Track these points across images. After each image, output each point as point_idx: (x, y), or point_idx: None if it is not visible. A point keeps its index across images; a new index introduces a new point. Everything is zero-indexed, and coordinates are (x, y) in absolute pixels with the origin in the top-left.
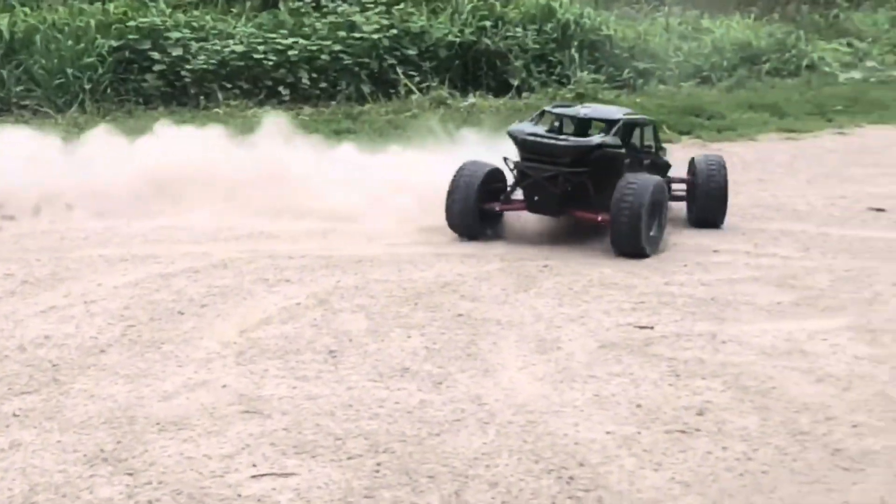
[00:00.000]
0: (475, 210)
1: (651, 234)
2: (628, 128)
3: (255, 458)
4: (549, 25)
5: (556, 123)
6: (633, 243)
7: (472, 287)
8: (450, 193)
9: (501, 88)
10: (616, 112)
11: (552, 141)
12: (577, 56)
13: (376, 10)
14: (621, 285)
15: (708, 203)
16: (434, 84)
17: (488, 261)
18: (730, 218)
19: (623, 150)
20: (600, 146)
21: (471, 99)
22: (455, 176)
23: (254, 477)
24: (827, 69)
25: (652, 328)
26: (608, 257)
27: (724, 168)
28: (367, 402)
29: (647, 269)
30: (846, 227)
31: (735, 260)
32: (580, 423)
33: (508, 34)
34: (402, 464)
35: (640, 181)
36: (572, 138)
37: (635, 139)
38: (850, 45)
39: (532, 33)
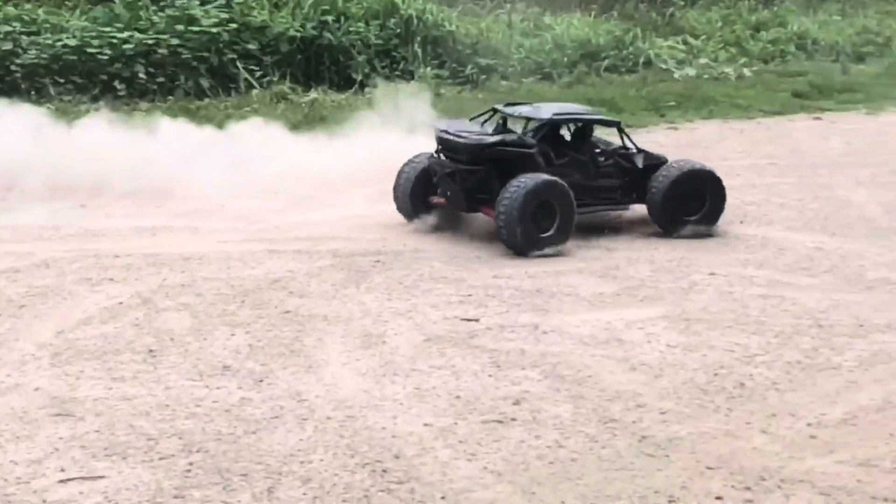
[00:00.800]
0: (412, 198)
1: (545, 234)
2: (556, 127)
3: (63, 461)
4: (393, 21)
5: (501, 122)
6: (510, 243)
7: (301, 283)
8: (396, 181)
9: (344, 83)
10: (546, 111)
11: (454, 138)
12: (420, 52)
13: (216, 3)
14: (451, 279)
15: None
16: (275, 79)
17: (320, 257)
18: None
19: (528, 150)
20: (493, 145)
21: (312, 94)
22: (402, 166)
23: (61, 482)
24: (663, 66)
25: (477, 320)
26: (440, 251)
27: None
28: (184, 402)
29: (478, 262)
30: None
31: (563, 252)
32: (399, 416)
33: (351, 29)
34: (216, 463)
35: (522, 183)
36: (474, 136)
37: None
38: (685, 42)
39: (375, 28)
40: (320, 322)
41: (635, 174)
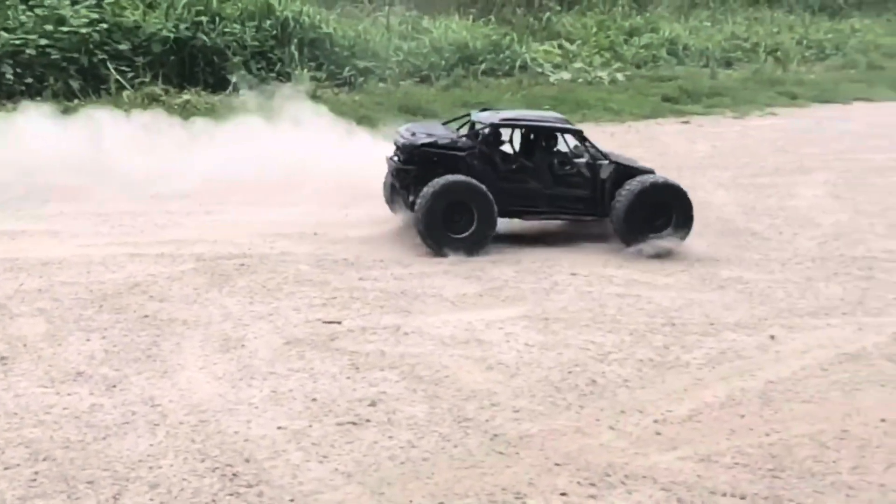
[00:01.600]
0: (391, 192)
1: (464, 235)
2: (499, 133)
3: None
4: (269, 22)
5: (471, 126)
6: (424, 242)
7: (162, 287)
8: (386, 177)
9: (220, 85)
10: (496, 117)
11: (399, 138)
12: (297, 53)
13: (86, 3)
14: (316, 281)
15: None
16: (147, 80)
17: (183, 260)
18: None
19: (459, 152)
20: (424, 145)
21: (185, 96)
22: (387, 159)
23: None
24: (539, 70)
25: (340, 323)
26: (307, 254)
27: None
28: (33, 409)
29: (344, 265)
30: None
31: (431, 254)
32: (253, 420)
33: (226, 30)
34: (62, 471)
35: (433, 184)
36: (414, 137)
37: (551, 146)
38: (560, 46)
39: (251, 30)
40: (179, 326)
41: (600, 186)
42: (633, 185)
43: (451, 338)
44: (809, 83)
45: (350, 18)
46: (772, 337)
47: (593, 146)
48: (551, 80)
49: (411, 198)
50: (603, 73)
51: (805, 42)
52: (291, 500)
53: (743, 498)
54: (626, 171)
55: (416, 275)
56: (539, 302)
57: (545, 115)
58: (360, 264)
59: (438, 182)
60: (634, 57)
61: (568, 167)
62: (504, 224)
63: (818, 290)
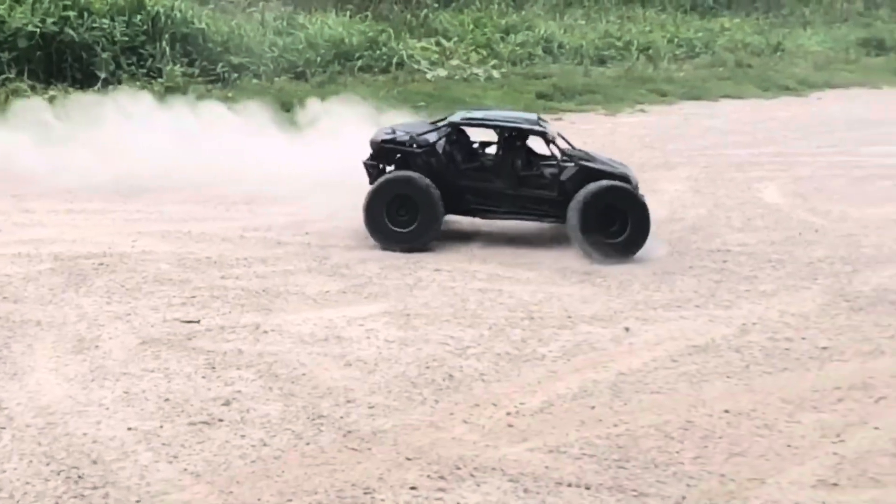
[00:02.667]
0: None
1: (407, 229)
2: (461, 131)
3: None
4: (139, 17)
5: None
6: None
7: (17, 288)
8: None
9: (89, 80)
10: (458, 116)
11: (372, 135)
12: (168, 49)
13: None
14: (176, 280)
15: None
16: (12, 76)
17: (41, 260)
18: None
19: (415, 149)
20: (382, 142)
21: (52, 92)
22: None
23: None
24: (416, 66)
25: (198, 322)
26: (169, 253)
27: None
28: None
29: (207, 263)
30: None
31: (297, 252)
32: (103, 421)
33: (94, 25)
34: None
35: (381, 180)
36: (379, 133)
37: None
38: (437, 43)
39: (120, 25)
40: (32, 327)
41: (563, 188)
42: (588, 189)
43: (311, 335)
44: (679, 81)
45: (224, 14)
46: (626, 329)
47: (562, 148)
48: (428, 76)
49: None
50: (479, 71)
51: (676, 41)
52: (137, 501)
53: (588, 488)
54: (590, 174)
55: (279, 273)
56: (402, 298)
57: (514, 116)
58: (223, 263)
59: (383, 177)
60: (510, 54)
61: (534, 169)
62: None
63: (673, 282)
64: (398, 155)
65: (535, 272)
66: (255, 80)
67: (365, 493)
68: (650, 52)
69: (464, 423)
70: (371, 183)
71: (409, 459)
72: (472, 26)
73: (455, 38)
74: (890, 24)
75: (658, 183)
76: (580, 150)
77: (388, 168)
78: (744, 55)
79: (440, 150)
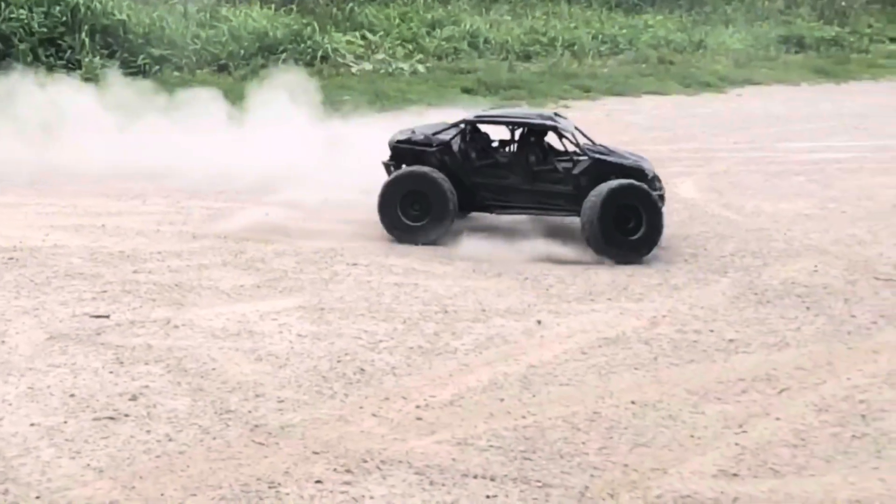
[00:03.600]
0: None
1: (419, 224)
2: (476, 129)
3: None
4: (58, 8)
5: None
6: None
7: None
8: None
9: (6, 73)
10: (472, 114)
11: (392, 135)
12: (87, 41)
13: None
14: (87, 275)
15: None
16: None
17: None
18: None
19: (428, 147)
20: (398, 142)
21: None
22: None
23: None
24: (341, 60)
25: (108, 317)
26: (81, 248)
27: None
28: None
29: (119, 257)
30: (327, 211)
31: (213, 246)
32: (6, 417)
33: (12, 16)
34: None
35: (394, 175)
36: (397, 134)
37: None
38: (363, 37)
39: (39, 16)
40: None
41: (577, 182)
42: (601, 189)
43: (223, 330)
44: (603, 77)
45: (145, 5)
46: (539, 322)
47: (578, 142)
48: (353, 70)
49: None
50: (404, 65)
51: (601, 37)
52: (38, 498)
53: (493, 479)
54: (603, 167)
55: (193, 267)
56: (316, 292)
57: (528, 112)
58: (136, 257)
59: (396, 173)
60: (436, 49)
61: (548, 164)
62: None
63: (588, 276)
64: (414, 154)
65: (451, 266)
66: (176, 73)
67: (270, 488)
68: (575, 48)
69: (373, 416)
70: None
71: (316, 453)
72: (398, 20)
73: (381, 32)
74: (810, 23)
75: None
76: (599, 145)
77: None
78: (666, 52)
79: (455, 149)
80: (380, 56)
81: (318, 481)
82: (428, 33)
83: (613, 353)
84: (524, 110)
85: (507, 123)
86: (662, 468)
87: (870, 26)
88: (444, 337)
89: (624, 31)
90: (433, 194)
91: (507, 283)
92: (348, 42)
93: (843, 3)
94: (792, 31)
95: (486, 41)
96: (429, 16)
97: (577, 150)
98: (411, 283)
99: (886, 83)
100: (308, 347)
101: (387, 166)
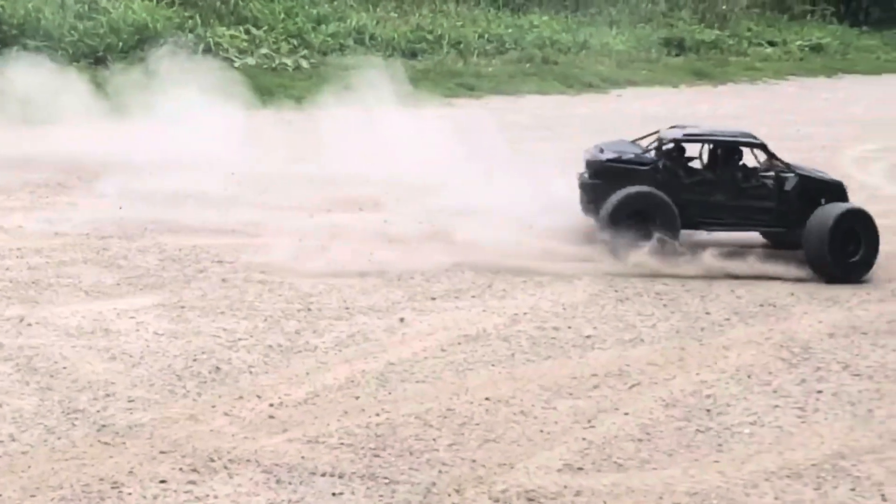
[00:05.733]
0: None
1: (651, 240)
2: (682, 148)
3: None
4: None
5: (657, 142)
6: (607, 249)
7: None
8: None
9: None
10: (679, 132)
11: (587, 155)
12: None
13: None
14: None
15: None
16: None
17: None
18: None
19: (642, 167)
20: (608, 161)
21: None
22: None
23: None
24: (224, 54)
25: None
26: None
27: None
28: None
29: None
30: (209, 207)
31: (76, 242)
32: None
33: None
34: None
35: (617, 194)
36: (597, 153)
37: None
38: (247, 31)
39: None
40: None
41: (786, 198)
42: (825, 212)
43: (78, 328)
44: (487, 76)
45: None
46: (401, 320)
47: (779, 159)
48: (236, 65)
49: (591, 209)
50: (288, 60)
51: (487, 36)
52: None
53: (341, 477)
54: (812, 184)
55: (53, 264)
56: (178, 290)
57: (730, 131)
58: None
59: (621, 192)
60: (322, 44)
61: (753, 180)
62: None
63: (453, 274)
64: (626, 173)
65: (317, 263)
66: (51, 65)
67: (112, 488)
68: (461, 46)
69: (225, 415)
70: (589, 201)
71: (163, 453)
72: (283, 15)
73: (265, 27)
74: (691, 25)
75: (451, 179)
76: (784, 161)
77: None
78: (551, 52)
79: (664, 167)
80: (263, 51)
81: (162, 481)
82: (313, 28)
83: (472, 350)
84: (720, 128)
85: (715, 141)
86: (510, 463)
87: (749, 30)
88: (305, 335)
89: (510, 30)
90: (661, 214)
91: (373, 281)
92: (232, 36)
93: (724, 7)
94: (673, 33)
95: (372, 37)
96: (315, 11)
97: (783, 167)
98: (276, 281)
99: (762, 85)
100: (164, 346)
101: (591, 185)
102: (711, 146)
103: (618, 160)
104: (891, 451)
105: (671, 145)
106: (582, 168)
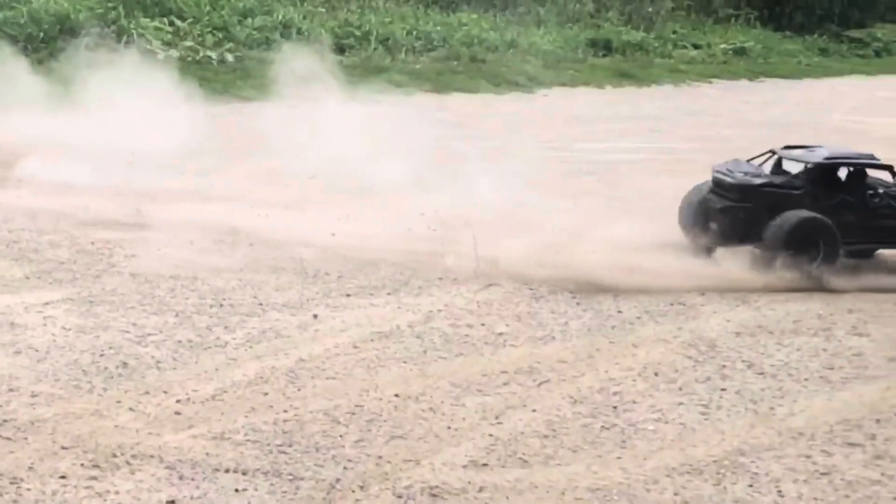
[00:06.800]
0: (692, 222)
1: (815, 264)
2: (826, 171)
3: None
4: None
5: (776, 163)
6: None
7: None
8: (680, 207)
9: None
10: (819, 155)
11: (726, 177)
12: None
13: None
14: None
15: None
16: None
17: None
18: None
19: (795, 191)
20: (762, 185)
21: None
22: (687, 194)
23: None
24: (147, 46)
25: None
26: None
27: None
28: None
29: None
30: (123, 200)
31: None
32: None
33: None
34: None
35: (783, 219)
36: (745, 176)
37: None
38: (171, 23)
39: None
40: None
41: None
42: None
43: None
44: (414, 73)
45: None
46: (315, 316)
47: None
48: (160, 57)
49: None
50: (213, 53)
51: (415, 33)
52: None
53: (245, 473)
54: None
55: None
56: (88, 285)
57: (852, 152)
58: None
59: (789, 219)
60: (247, 38)
61: (878, 199)
62: None
63: (370, 271)
64: (780, 197)
65: (231, 259)
66: None
67: (11, 483)
68: (389, 42)
69: (130, 410)
70: (733, 224)
71: (64, 448)
72: (208, 7)
73: (190, 19)
74: (618, 27)
75: (378, 175)
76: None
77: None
78: (479, 50)
79: (810, 190)
80: (188, 43)
81: (62, 476)
82: (239, 22)
83: (385, 346)
84: (841, 148)
85: (856, 164)
86: (415, 459)
87: (674, 32)
88: (216, 331)
89: (438, 27)
90: (826, 239)
91: (288, 278)
92: (156, 28)
93: (650, 10)
94: (600, 34)
95: (299, 32)
96: (240, 4)
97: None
98: (189, 277)
99: (686, 87)
100: (71, 340)
101: (739, 209)
102: (850, 169)
103: (770, 184)
104: (789, 448)
105: (812, 167)
106: (694, 190)
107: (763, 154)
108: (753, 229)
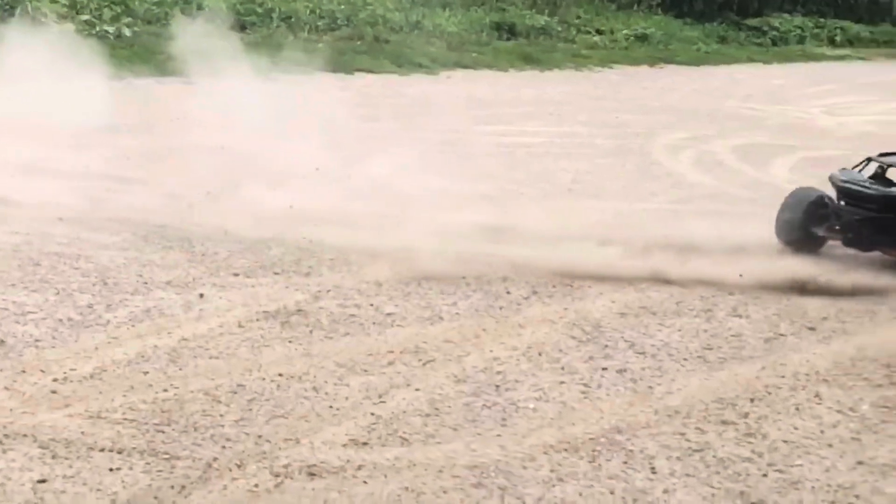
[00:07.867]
0: (798, 228)
1: None
2: None
3: None
4: None
5: (879, 170)
6: None
7: None
8: (780, 210)
9: None
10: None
11: (861, 189)
12: None
13: None
14: None
15: None
16: None
17: None
18: None
19: None
20: None
21: None
22: (787, 197)
23: None
24: (42, 20)
25: None
26: None
27: None
28: None
29: None
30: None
31: None
32: None
33: None
34: None
35: None
36: (882, 188)
37: None
38: None
39: None
40: None
41: None
42: None
43: None
44: (317, 52)
45: None
46: (201, 295)
47: None
48: (53, 31)
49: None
50: (111, 28)
51: (318, 11)
52: None
53: (121, 452)
54: None
55: None
56: None
57: None
58: None
59: None
60: (146, 13)
61: None
62: None
63: (260, 250)
64: None
65: (119, 237)
66: None
67: None
68: (291, 20)
69: (4, 389)
70: (875, 234)
71: None
72: None
73: None
74: (522, 10)
75: (279, 156)
76: None
77: None
78: (383, 30)
79: None
80: (84, 17)
81: None
82: None
83: (271, 326)
84: None
85: None
86: (295, 438)
87: (578, 17)
88: (98, 309)
89: (342, 6)
90: None
91: (175, 256)
92: (51, 1)
93: None
94: (505, 17)
95: (199, 7)
96: None
97: None
98: (74, 254)
99: (587, 72)
100: None
101: (881, 219)
102: None
103: None
104: (665, 426)
105: None
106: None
107: (861, 163)
108: (888, 237)
